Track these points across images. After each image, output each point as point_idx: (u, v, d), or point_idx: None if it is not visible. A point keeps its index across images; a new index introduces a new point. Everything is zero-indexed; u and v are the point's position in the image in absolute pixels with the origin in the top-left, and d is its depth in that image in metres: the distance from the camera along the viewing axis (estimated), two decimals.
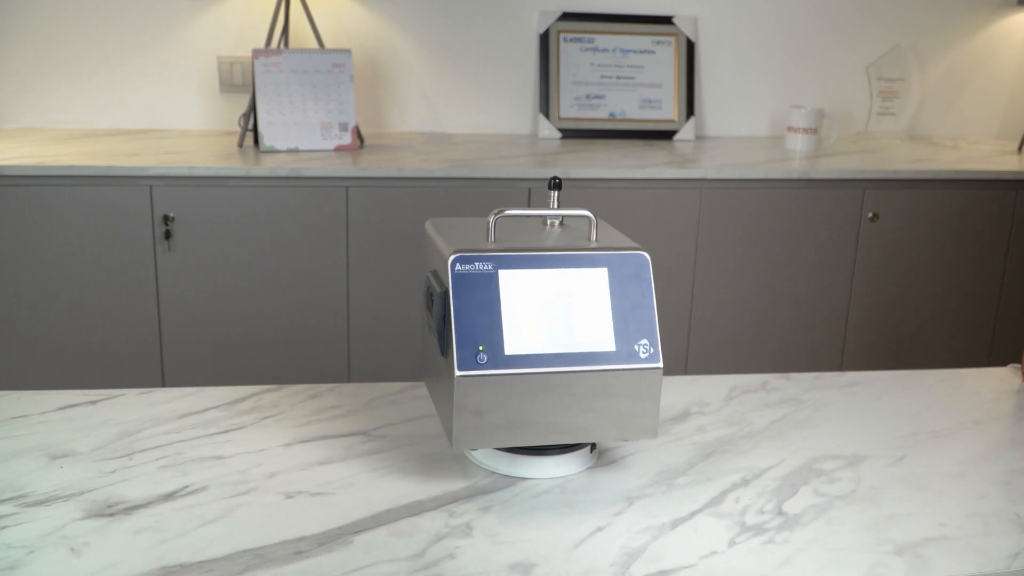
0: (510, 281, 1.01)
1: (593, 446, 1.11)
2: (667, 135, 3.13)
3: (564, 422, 1.02)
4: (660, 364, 1.02)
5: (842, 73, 3.30)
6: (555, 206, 1.10)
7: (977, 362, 2.94)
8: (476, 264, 1.01)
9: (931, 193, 2.78)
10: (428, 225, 1.13)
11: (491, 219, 1.05)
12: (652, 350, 1.02)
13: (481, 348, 0.99)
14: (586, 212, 1.08)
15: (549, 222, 1.12)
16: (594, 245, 1.05)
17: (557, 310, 1.01)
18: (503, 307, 1.00)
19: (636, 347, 1.01)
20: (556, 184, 1.11)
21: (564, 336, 1.01)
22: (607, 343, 1.01)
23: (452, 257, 1.00)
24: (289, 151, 2.67)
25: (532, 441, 1.02)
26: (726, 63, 3.22)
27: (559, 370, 1.00)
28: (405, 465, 1.09)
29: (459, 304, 0.99)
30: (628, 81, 3.12)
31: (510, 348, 0.99)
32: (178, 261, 2.48)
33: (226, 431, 1.16)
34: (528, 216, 1.16)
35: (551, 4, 3.09)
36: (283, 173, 2.46)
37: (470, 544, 0.94)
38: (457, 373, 0.98)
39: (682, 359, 2.78)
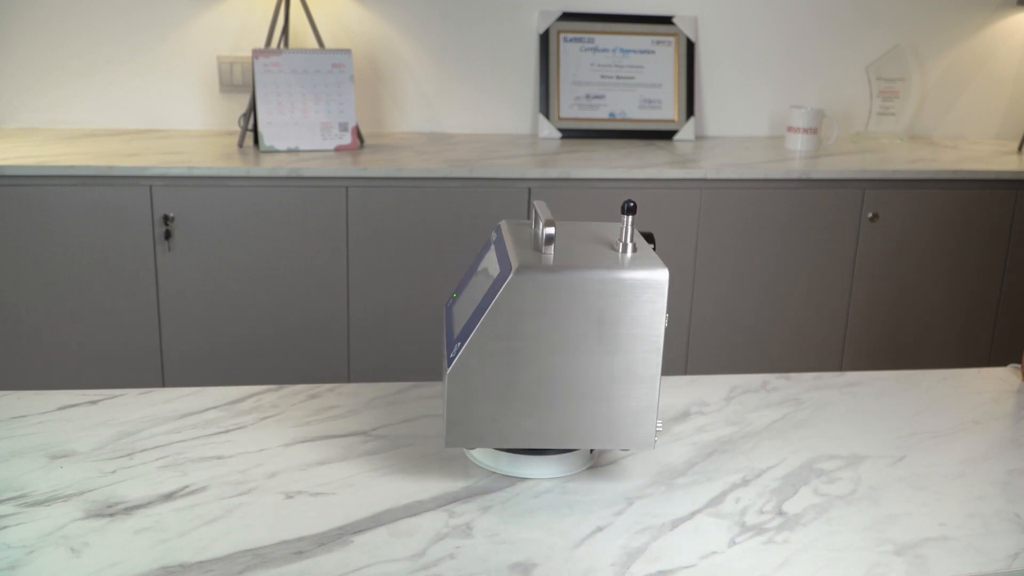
0: (484, 258, 1.12)
1: None
2: (667, 135, 3.13)
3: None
4: (446, 370, 1.01)
5: (842, 73, 3.30)
6: (628, 233, 1.03)
7: (977, 362, 2.94)
8: (492, 234, 1.15)
9: (931, 193, 2.78)
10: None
11: (535, 206, 1.13)
12: (454, 357, 1.01)
13: (455, 296, 1.13)
14: (552, 230, 1.02)
15: (618, 241, 1.07)
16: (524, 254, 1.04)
17: (478, 295, 1.06)
18: (473, 275, 1.13)
19: (453, 349, 1.02)
20: (630, 208, 1.02)
21: (465, 316, 1.05)
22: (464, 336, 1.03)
23: (498, 223, 1.16)
24: (289, 151, 2.67)
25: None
26: (726, 63, 3.22)
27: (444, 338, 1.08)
28: (405, 465, 1.09)
29: (476, 258, 1.15)
30: (628, 81, 3.12)
31: (455, 304, 1.12)
32: (178, 261, 2.48)
33: (226, 431, 1.16)
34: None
35: (551, 4, 3.09)
36: (283, 173, 2.46)
37: (470, 544, 0.94)
38: (447, 302, 1.16)
39: (682, 359, 2.78)
